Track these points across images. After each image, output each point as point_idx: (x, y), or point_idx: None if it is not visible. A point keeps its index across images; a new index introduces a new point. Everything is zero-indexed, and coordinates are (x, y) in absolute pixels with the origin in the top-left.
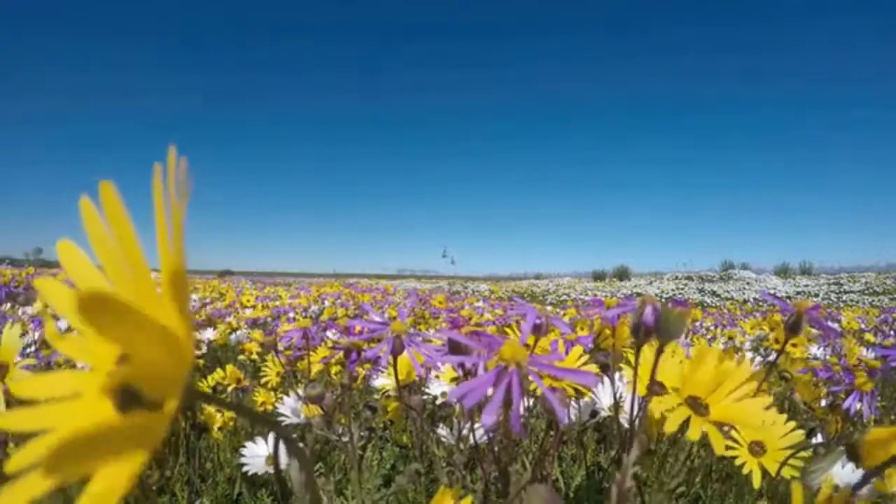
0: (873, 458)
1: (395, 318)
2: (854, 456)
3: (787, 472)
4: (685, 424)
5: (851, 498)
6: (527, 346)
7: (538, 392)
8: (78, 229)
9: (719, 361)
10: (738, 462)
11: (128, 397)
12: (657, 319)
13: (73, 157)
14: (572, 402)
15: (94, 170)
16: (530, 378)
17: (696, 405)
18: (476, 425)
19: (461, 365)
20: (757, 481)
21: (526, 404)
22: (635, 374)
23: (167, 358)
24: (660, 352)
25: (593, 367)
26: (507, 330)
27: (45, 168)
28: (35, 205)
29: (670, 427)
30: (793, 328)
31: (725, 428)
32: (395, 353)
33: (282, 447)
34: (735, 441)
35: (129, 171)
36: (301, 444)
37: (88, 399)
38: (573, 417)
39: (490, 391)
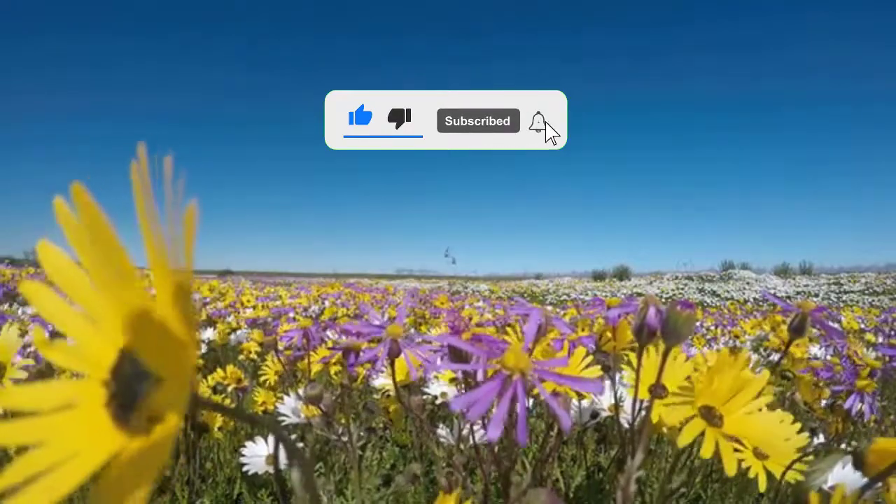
0: (879, 469)
1: (395, 318)
2: (859, 465)
3: (790, 476)
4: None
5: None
6: (529, 350)
7: (541, 397)
8: None
9: (739, 371)
10: (744, 465)
11: (126, 409)
12: (662, 321)
13: (74, 155)
14: (573, 403)
15: (96, 169)
16: (533, 385)
17: (711, 416)
18: (476, 426)
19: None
20: (763, 485)
21: (527, 405)
22: (637, 377)
23: (179, 370)
24: (666, 354)
25: (597, 370)
26: (508, 329)
27: (45, 167)
28: (35, 204)
29: (684, 440)
30: (797, 329)
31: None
32: (392, 356)
33: (282, 448)
34: (739, 444)
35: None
36: (301, 444)
37: (83, 410)
38: (573, 418)
39: (494, 401)
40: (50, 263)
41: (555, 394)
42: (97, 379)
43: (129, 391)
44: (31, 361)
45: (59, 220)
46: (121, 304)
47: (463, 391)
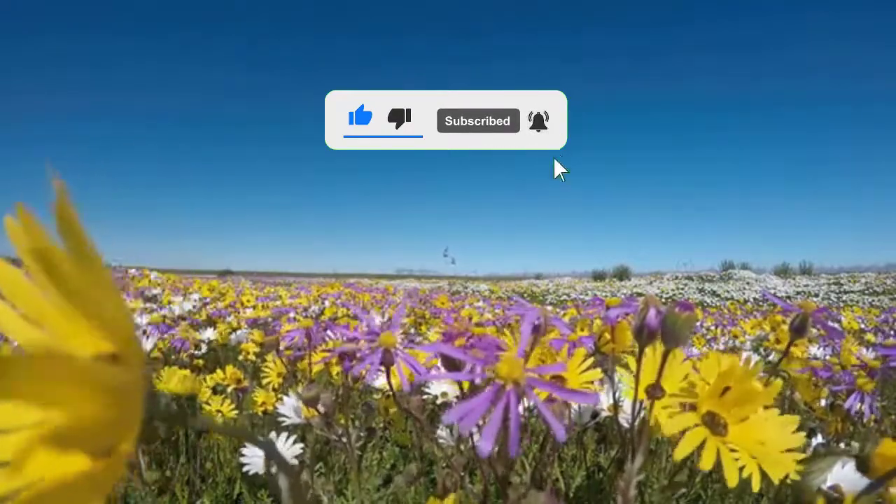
0: (884, 471)
1: (392, 319)
2: (864, 469)
3: (787, 474)
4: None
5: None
6: (526, 354)
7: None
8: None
9: (750, 378)
10: (738, 464)
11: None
12: (662, 323)
13: (74, 155)
14: (568, 409)
15: (96, 169)
16: (527, 394)
17: (715, 424)
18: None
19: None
20: (756, 485)
21: (526, 404)
22: (637, 379)
23: (115, 403)
24: (665, 357)
25: (597, 373)
26: (507, 332)
27: (44, 166)
28: (36, 204)
29: (683, 451)
30: (798, 330)
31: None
32: (386, 365)
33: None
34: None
35: (133, 170)
36: (301, 445)
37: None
38: (574, 418)
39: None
40: (2, 280)
41: (551, 400)
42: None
43: None
44: None
45: (12, 238)
46: (77, 325)
47: (461, 393)
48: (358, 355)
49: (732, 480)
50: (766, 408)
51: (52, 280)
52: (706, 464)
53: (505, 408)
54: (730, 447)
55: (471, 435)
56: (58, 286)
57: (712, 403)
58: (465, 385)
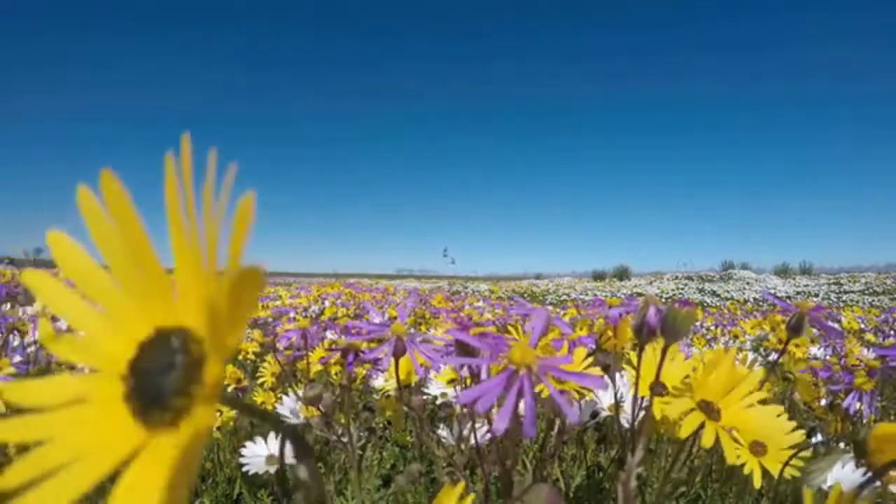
0: (882, 455)
1: (395, 318)
2: (861, 452)
3: (787, 472)
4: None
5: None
6: (535, 347)
7: (545, 394)
8: (81, 230)
9: (733, 366)
10: (739, 461)
11: (149, 401)
12: (661, 319)
13: (74, 155)
14: (574, 402)
15: (95, 169)
16: (539, 380)
17: (709, 410)
18: (477, 425)
19: (467, 366)
20: (758, 481)
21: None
22: (638, 375)
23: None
24: (665, 352)
25: (597, 369)
26: (511, 329)
27: (46, 167)
28: (36, 204)
29: (685, 432)
30: (795, 329)
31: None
32: (397, 354)
33: (287, 446)
34: (736, 440)
35: (133, 170)
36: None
37: (96, 405)
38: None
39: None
40: (63, 254)
41: (560, 392)
42: (112, 373)
43: (155, 383)
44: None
45: (82, 209)
46: (147, 300)
47: (465, 389)
48: (364, 351)
49: (731, 457)
50: (763, 403)
51: (126, 250)
52: (706, 442)
53: (519, 391)
54: (727, 430)
55: (472, 433)
56: (136, 257)
57: (704, 392)
58: (468, 382)
